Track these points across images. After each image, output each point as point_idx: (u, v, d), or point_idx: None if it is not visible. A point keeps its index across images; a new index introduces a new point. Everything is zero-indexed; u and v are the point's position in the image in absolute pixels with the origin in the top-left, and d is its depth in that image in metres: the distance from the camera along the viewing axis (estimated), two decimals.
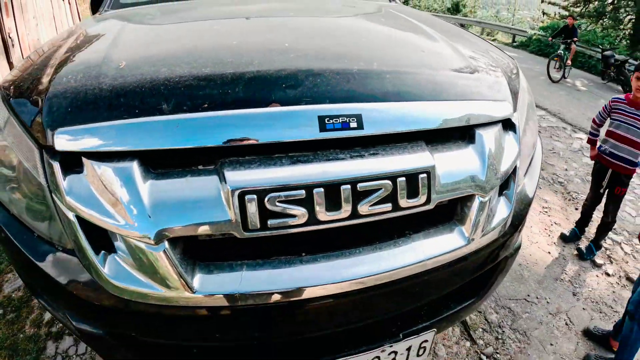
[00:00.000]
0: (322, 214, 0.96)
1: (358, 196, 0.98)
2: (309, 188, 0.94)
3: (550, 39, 12.89)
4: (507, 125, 1.34)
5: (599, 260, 3.23)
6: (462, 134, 1.23)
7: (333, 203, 0.96)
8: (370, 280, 1.05)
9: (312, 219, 0.96)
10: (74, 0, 7.78)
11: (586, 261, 3.22)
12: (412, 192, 1.04)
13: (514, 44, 19.32)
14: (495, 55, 1.63)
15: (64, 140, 0.96)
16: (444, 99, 1.19)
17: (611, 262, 3.28)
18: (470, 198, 1.17)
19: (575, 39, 11.16)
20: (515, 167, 1.31)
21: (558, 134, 6.45)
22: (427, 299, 1.35)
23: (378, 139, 1.07)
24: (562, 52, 10.83)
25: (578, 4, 20.92)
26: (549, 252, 3.31)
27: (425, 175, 1.04)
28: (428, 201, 1.06)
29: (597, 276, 3.08)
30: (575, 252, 3.31)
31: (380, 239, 1.11)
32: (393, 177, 1.00)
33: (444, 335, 2.29)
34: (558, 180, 4.67)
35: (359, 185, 0.97)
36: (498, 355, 2.24)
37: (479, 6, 48.83)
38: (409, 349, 1.29)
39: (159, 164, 0.98)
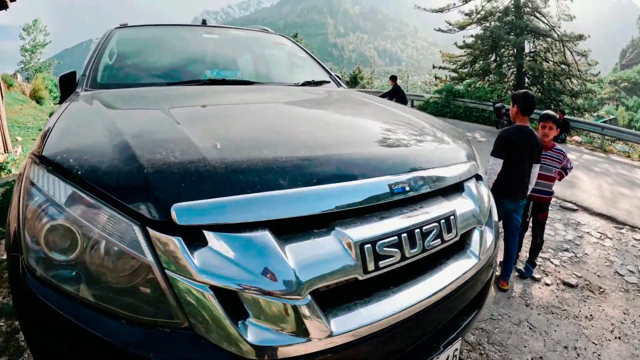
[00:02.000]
0: (407, 251, 1.27)
1: (425, 235, 1.34)
2: (399, 234, 1.26)
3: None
4: (478, 177, 1.89)
5: (537, 276, 3.90)
6: (456, 187, 1.69)
7: (412, 243, 1.29)
8: (435, 297, 1.37)
9: (402, 257, 1.26)
10: None
11: (527, 279, 3.85)
12: (449, 229, 1.44)
13: (413, 107, 21.18)
14: (455, 131, 2.21)
15: (184, 215, 1.01)
16: (447, 165, 1.67)
17: (547, 275, 3.97)
18: (472, 230, 1.62)
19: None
20: (491, 206, 1.85)
21: None
22: (455, 312, 1.65)
23: (417, 196, 1.45)
24: None
25: (465, 66, 23.87)
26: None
27: (452, 216, 1.47)
28: (456, 235, 1.48)
29: (540, 287, 3.72)
30: (517, 274, 3.92)
31: (430, 268, 1.45)
32: (439, 220, 1.40)
33: None
34: None
35: (424, 228, 1.34)
36: None
37: (375, 76, 53.62)
38: (447, 358, 1.56)
39: (286, 230, 1.14)
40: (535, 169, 3.44)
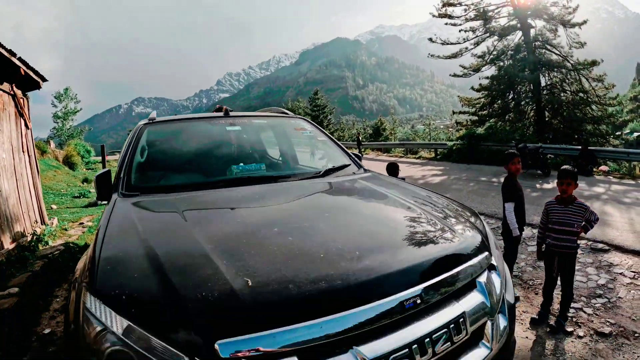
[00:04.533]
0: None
1: (435, 342, 1.48)
2: (409, 346, 1.42)
3: None
4: (491, 267, 1.93)
5: (569, 329, 3.95)
6: (468, 284, 1.77)
7: (422, 351, 1.44)
8: None
9: None
10: (32, 152, 7.75)
11: (559, 333, 3.88)
12: (458, 331, 1.56)
13: (438, 157, 21.36)
14: (467, 214, 2.31)
15: (226, 349, 1.22)
16: (459, 265, 1.74)
17: (579, 326, 4.04)
18: (484, 323, 1.72)
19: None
20: (503, 293, 1.89)
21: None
22: None
23: (431, 306, 1.57)
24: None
25: (484, 108, 24.04)
26: (527, 337, 3.89)
27: (462, 319, 1.59)
28: (466, 334, 1.60)
29: (572, 341, 3.80)
30: (548, 329, 3.95)
31: None
32: (449, 325, 1.54)
33: None
34: (513, 275, 5.36)
35: (434, 335, 1.48)
36: None
37: (397, 124, 54.07)
38: None
39: (311, 355, 1.31)
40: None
